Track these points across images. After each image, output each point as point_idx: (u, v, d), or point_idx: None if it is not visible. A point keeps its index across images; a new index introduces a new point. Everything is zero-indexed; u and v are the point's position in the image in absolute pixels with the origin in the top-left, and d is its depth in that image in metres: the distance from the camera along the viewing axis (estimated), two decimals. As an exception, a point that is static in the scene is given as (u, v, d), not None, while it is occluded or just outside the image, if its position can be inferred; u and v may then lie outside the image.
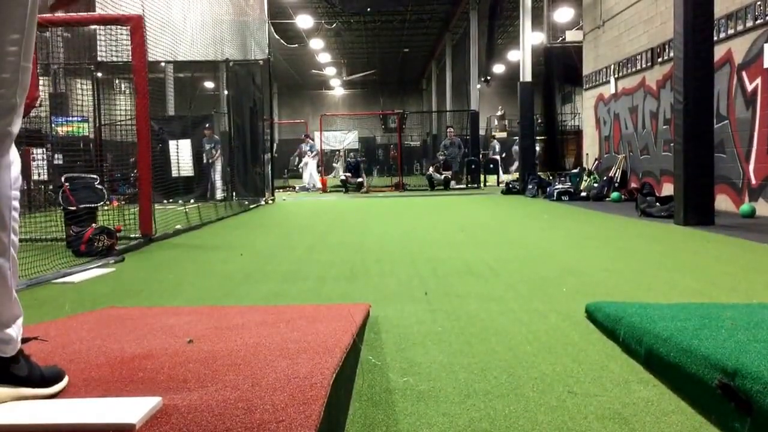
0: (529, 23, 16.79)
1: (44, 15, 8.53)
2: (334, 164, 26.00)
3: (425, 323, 3.16)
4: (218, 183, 14.59)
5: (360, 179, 18.63)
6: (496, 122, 29.05)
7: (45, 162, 11.86)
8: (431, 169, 18.59)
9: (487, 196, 15.35)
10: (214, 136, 14.89)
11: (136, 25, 6.86)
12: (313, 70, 35.16)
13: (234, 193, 13.43)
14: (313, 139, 21.45)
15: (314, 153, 20.86)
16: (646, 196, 9.27)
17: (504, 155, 25.01)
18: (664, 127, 11.35)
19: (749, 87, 8.75)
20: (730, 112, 9.19)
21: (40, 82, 7.87)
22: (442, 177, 18.33)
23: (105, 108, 11.50)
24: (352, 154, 22.34)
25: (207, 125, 15.02)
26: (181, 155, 13.58)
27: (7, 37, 1.54)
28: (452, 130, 20.50)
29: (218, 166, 14.68)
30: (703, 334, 2.25)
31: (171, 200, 11.03)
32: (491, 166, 22.33)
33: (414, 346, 2.75)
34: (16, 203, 1.62)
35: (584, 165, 15.63)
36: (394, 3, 22.22)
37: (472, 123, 20.72)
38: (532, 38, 17.10)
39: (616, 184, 12.77)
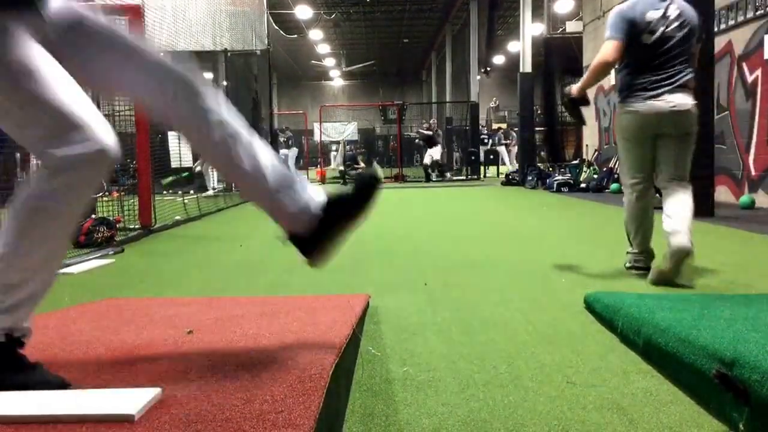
0: (529, 14, 16.74)
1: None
2: (334, 152, 26.05)
3: (425, 314, 3.17)
4: (211, 174, 14.07)
5: (358, 169, 18.63)
6: (492, 114, 29.00)
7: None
8: (426, 159, 18.58)
9: (487, 188, 15.35)
10: None
11: (134, 15, 6.83)
12: (313, 61, 35.08)
13: (233, 185, 13.34)
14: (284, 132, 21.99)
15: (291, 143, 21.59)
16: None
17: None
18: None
19: (749, 78, 8.73)
20: (731, 104, 9.17)
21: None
22: (434, 160, 18.28)
23: (104, 99, 11.43)
24: (349, 146, 22.32)
25: None
26: (181, 146, 13.45)
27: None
28: (435, 121, 20.80)
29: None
30: (702, 324, 2.25)
31: (170, 191, 11.01)
32: (491, 157, 22.32)
33: (414, 337, 2.76)
34: None
35: (584, 156, 15.62)
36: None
37: (472, 114, 20.69)
38: (532, 29, 17.05)
39: (616, 176, 12.76)
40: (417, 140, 18.65)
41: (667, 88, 3.83)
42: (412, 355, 2.51)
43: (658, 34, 3.87)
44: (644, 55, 3.89)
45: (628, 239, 4.10)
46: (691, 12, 3.95)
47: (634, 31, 3.89)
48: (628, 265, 4.10)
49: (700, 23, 3.99)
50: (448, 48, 29.57)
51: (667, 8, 3.90)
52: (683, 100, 3.84)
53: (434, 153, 18.41)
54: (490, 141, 22.84)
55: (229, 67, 13.11)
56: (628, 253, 4.10)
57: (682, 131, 3.88)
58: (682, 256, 3.58)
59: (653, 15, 3.88)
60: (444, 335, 2.77)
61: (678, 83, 3.85)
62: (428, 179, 18.19)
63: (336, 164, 20.86)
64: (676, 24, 3.88)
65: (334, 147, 21.80)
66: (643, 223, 3.97)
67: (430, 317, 3.09)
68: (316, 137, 23.64)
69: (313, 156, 23.83)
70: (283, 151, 20.63)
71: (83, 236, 5.94)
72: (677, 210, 3.71)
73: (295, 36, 25.57)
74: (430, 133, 18.36)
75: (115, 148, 1.57)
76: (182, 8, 10.30)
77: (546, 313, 3.14)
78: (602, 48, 3.96)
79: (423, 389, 2.14)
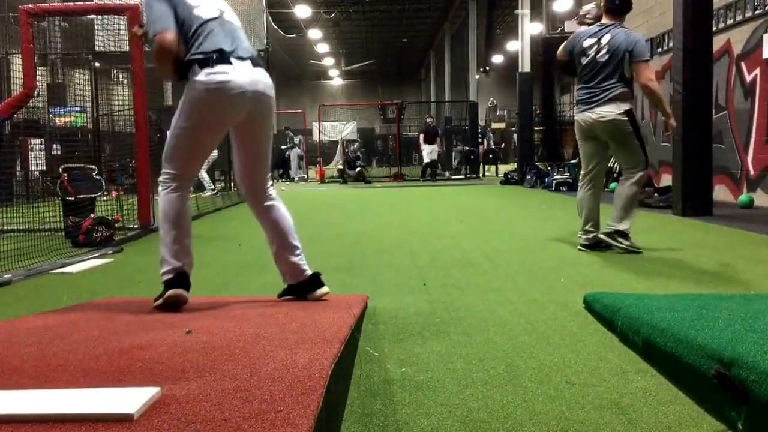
0: (528, 13, 16.74)
1: (41, 5, 8.48)
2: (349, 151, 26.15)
3: (423, 314, 3.16)
4: (204, 175, 13.99)
5: (358, 169, 18.63)
6: (490, 114, 29.03)
7: (43, 152, 11.82)
8: (423, 153, 18.54)
9: (486, 187, 15.35)
10: None
11: (133, 14, 6.82)
12: (312, 61, 35.08)
13: (233, 184, 13.36)
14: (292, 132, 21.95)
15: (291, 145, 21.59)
16: (644, 186, 9.24)
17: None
18: (663, 117, 11.32)
19: (748, 77, 8.73)
20: (729, 103, 9.18)
21: (38, 72, 7.83)
22: (431, 160, 18.23)
23: (103, 98, 11.44)
24: (354, 147, 22.31)
25: None
26: None
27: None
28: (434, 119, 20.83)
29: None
30: (700, 324, 2.25)
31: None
32: (491, 156, 22.32)
33: (412, 337, 2.76)
34: None
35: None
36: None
37: (471, 114, 20.69)
38: (531, 28, 17.06)
39: (615, 175, 12.76)
40: (423, 132, 18.55)
41: (597, 102, 4.85)
42: (410, 355, 2.51)
43: (589, 58, 4.92)
44: (582, 74, 4.99)
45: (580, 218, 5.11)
46: (621, 39, 4.82)
47: (573, 52, 5.08)
48: (578, 245, 5.08)
49: (635, 47, 4.82)
50: (447, 47, 29.57)
51: (601, 37, 4.90)
52: (608, 111, 4.82)
53: (429, 151, 18.36)
54: (485, 141, 22.86)
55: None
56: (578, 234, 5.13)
57: (610, 136, 4.89)
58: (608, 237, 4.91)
59: (589, 42, 4.95)
60: (442, 335, 2.77)
61: (608, 97, 4.82)
62: (424, 175, 18.18)
63: (334, 162, 20.90)
64: (605, 50, 4.84)
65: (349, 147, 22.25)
66: (586, 205, 5.00)
67: (428, 318, 3.09)
68: (315, 137, 23.64)
69: (312, 155, 23.82)
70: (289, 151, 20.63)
71: (82, 236, 5.94)
72: (615, 202, 4.95)
73: (294, 35, 25.56)
74: (438, 143, 18.35)
75: None
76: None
77: (545, 312, 3.14)
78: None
79: (421, 389, 2.14)
